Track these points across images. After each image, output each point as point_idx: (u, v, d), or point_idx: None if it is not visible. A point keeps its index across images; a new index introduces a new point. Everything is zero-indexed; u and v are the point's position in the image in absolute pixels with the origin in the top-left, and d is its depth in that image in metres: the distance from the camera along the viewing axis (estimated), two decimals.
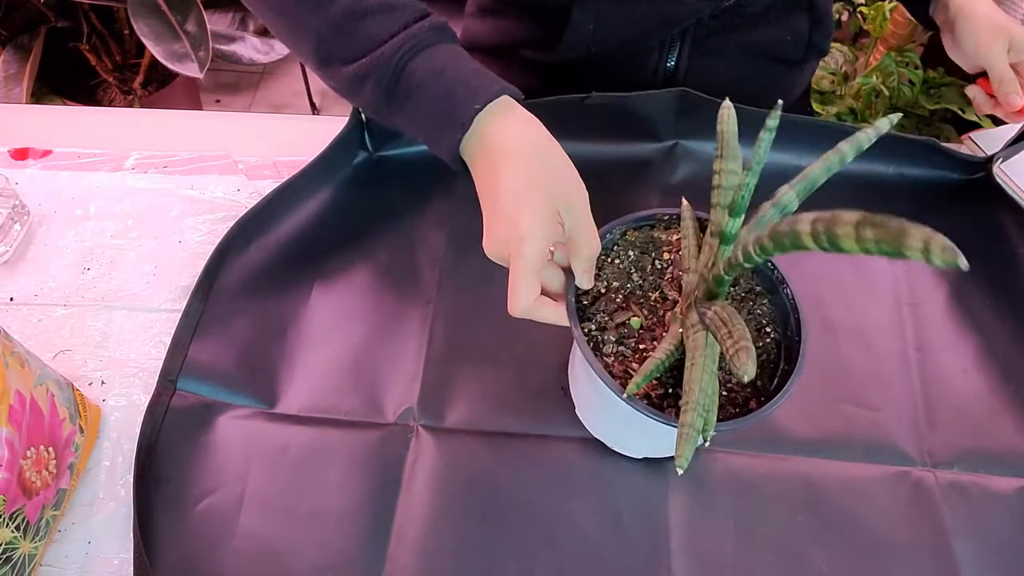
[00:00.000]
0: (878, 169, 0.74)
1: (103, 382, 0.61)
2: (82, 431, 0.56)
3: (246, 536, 0.54)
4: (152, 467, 0.56)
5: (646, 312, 0.51)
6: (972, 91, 0.74)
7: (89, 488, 0.56)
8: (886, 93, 1.54)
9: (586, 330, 0.50)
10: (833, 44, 1.70)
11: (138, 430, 0.57)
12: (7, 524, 0.46)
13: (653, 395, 0.48)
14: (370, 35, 0.52)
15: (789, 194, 0.40)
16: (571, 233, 0.49)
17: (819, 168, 0.39)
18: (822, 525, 0.55)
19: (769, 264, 0.51)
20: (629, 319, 0.51)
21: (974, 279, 0.67)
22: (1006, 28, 0.69)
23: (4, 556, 0.47)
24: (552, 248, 0.49)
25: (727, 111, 0.45)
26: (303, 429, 0.58)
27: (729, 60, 0.78)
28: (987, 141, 0.78)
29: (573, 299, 0.49)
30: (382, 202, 0.72)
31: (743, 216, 0.43)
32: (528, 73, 0.80)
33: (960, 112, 1.49)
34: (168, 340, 0.61)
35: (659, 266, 0.53)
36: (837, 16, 1.72)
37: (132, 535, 0.53)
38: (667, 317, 0.51)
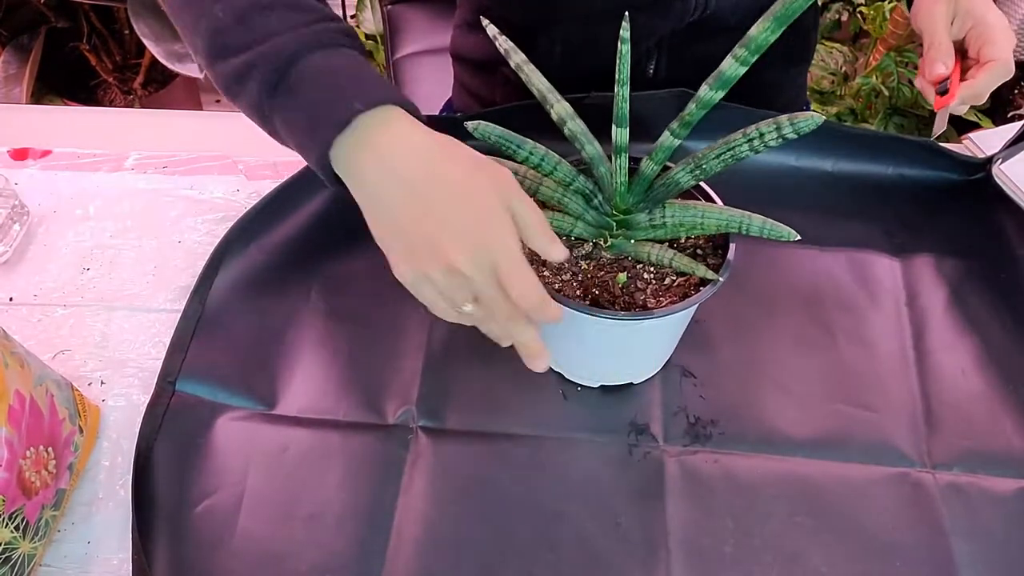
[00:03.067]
0: (878, 170, 0.74)
1: (102, 382, 0.62)
2: (81, 431, 0.56)
3: (245, 537, 0.54)
4: (151, 468, 0.56)
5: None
6: (919, 82, 0.70)
7: (88, 488, 0.56)
8: (886, 93, 1.54)
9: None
10: (833, 44, 1.70)
11: (137, 430, 0.57)
12: (6, 524, 0.46)
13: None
14: (269, 27, 0.47)
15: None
16: (519, 221, 0.45)
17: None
18: (821, 526, 0.55)
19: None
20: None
21: (973, 279, 0.67)
22: None
23: (3, 556, 0.47)
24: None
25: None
26: (302, 430, 0.58)
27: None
28: (987, 142, 0.78)
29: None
30: None
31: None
32: (509, 88, 0.80)
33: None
34: (167, 340, 0.61)
35: None
36: (837, 16, 1.72)
37: (131, 535, 0.53)
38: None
